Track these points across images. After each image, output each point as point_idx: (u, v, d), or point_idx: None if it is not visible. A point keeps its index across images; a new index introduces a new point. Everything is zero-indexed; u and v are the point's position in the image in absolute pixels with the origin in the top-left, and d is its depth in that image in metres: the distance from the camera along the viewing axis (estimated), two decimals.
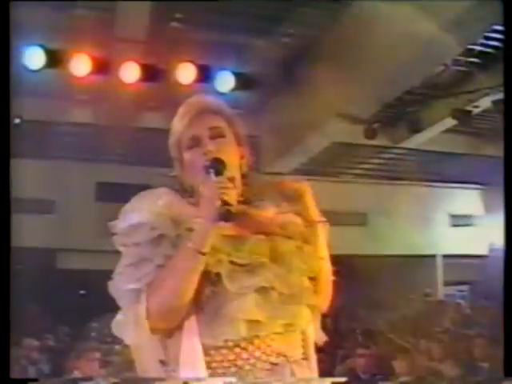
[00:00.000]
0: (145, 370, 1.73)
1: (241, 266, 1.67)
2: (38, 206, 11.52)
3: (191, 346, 1.63)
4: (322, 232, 1.91)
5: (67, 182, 11.75)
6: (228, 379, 1.61)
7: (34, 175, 10.84)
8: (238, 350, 1.63)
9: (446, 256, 14.89)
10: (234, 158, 1.78)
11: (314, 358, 1.82)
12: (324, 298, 1.88)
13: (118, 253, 1.73)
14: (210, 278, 1.64)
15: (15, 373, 5.24)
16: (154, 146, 11.78)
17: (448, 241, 14.77)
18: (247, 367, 1.62)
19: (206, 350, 1.63)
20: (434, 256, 14.92)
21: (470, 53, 9.12)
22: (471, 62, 9.64)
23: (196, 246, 1.59)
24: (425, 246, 14.47)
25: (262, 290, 1.66)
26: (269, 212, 1.89)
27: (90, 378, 4.88)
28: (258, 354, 1.64)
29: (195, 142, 1.77)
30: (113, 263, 1.74)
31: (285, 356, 1.68)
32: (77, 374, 5.35)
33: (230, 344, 1.62)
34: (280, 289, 1.69)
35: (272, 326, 1.66)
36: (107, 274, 1.74)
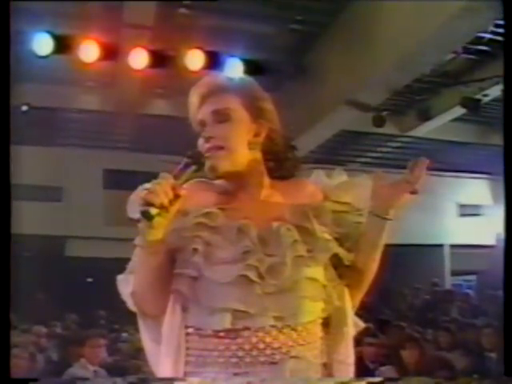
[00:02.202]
0: (144, 347, 1.75)
1: (220, 252, 1.61)
2: (45, 194, 11.56)
3: (173, 334, 1.62)
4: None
5: (75, 169, 11.78)
6: (238, 379, 1.55)
7: (42, 162, 10.88)
8: (227, 340, 1.57)
9: (453, 246, 14.87)
10: (240, 139, 1.70)
11: (336, 356, 1.70)
12: (356, 290, 1.75)
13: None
14: (189, 268, 1.60)
15: (24, 360, 5.25)
16: (162, 132, 11.87)
17: (456, 230, 14.74)
18: (234, 360, 1.56)
19: (200, 338, 1.60)
20: (441, 246, 14.91)
21: (480, 41, 9.04)
22: (481, 50, 9.55)
23: (139, 243, 1.59)
24: (432, 236, 14.45)
25: (245, 279, 1.57)
26: (303, 189, 1.79)
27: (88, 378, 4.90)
28: (247, 346, 1.56)
29: (201, 127, 1.73)
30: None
31: (283, 352, 1.57)
32: (84, 361, 5.36)
33: (221, 334, 1.57)
34: (268, 279, 1.58)
35: (263, 319, 1.57)
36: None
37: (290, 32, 8.87)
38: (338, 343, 1.71)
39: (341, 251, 1.70)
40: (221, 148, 1.67)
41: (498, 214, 14.34)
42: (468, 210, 15.14)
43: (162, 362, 1.64)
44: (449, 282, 14.82)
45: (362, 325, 1.78)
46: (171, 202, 1.50)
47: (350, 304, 1.73)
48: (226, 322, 1.55)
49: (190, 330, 1.62)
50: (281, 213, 1.69)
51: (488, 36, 8.98)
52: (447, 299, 11.46)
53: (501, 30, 8.64)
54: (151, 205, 1.47)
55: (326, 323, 1.70)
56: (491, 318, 8.07)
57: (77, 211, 11.74)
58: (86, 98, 10.91)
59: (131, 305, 1.69)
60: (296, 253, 1.62)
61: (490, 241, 14.61)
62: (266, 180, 1.76)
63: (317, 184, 1.82)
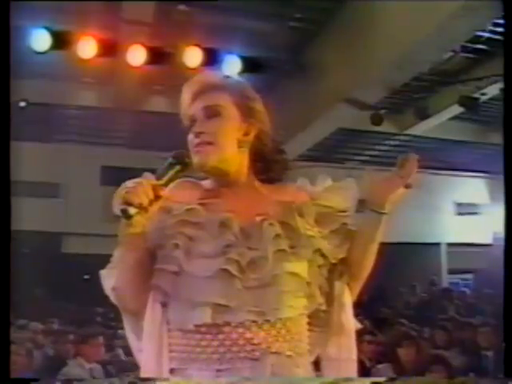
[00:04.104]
0: (129, 342, 1.77)
1: (202, 246, 1.61)
2: (42, 190, 11.55)
3: (154, 330, 1.62)
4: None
5: (72, 165, 11.78)
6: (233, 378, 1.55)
7: (40, 158, 10.86)
8: (208, 336, 1.57)
9: (450, 244, 14.89)
10: (230, 136, 1.70)
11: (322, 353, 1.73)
12: (352, 283, 1.77)
13: None
14: (169, 263, 1.61)
15: (21, 356, 5.25)
16: (160, 129, 11.85)
17: (453, 229, 14.76)
18: (215, 356, 1.56)
19: (182, 334, 1.60)
20: (438, 244, 14.92)
21: (478, 39, 9.05)
22: (480, 49, 9.57)
23: (120, 241, 1.63)
24: (429, 234, 14.47)
25: (225, 273, 1.57)
26: (284, 191, 1.79)
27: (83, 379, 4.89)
28: (228, 342, 1.56)
29: (192, 123, 1.73)
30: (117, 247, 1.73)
31: (263, 348, 1.57)
32: (79, 359, 5.35)
33: (203, 329, 1.57)
34: (249, 273, 1.58)
35: (243, 314, 1.56)
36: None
37: (289, 30, 8.86)
38: (337, 341, 1.73)
39: (324, 247, 1.71)
40: (210, 143, 1.67)
41: (495, 213, 14.39)
42: (465, 209, 15.15)
43: (144, 358, 1.64)
44: (446, 280, 14.84)
45: (358, 325, 1.78)
46: (151, 203, 1.53)
47: (349, 300, 1.75)
48: (206, 316, 1.55)
49: (172, 326, 1.62)
50: (265, 208, 1.70)
51: (486, 35, 8.99)
52: (444, 298, 11.46)
53: (499, 29, 8.66)
54: (130, 204, 1.50)
55: (322, 322, 1.73)
56: (488, 316, 8.08)
57: (74, 208, 11.74)
58: (83, 94, 10.89)
59: (113, 299, 1.71)
60: (278, 247, 1.62)
61: (487, 239, 14.63)
62: (253, 180, 1.77)
63: (303, 188, 1.83)
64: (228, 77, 1.85)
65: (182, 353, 1.60)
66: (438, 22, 6.73)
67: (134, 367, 1.75)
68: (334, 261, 1.72)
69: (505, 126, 2.36)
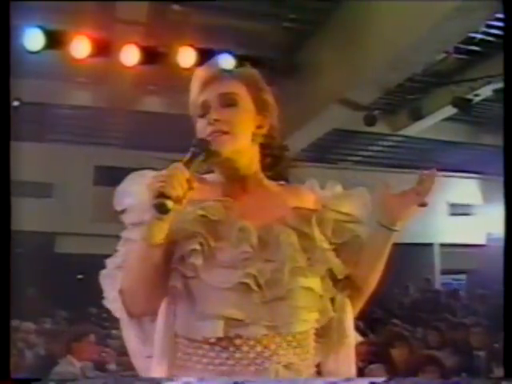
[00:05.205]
0: (129, 348, 1.67)
1: (220, 255, 1.53)
2: (35, 190, 11.51)
3: (165, 338, 1.55)
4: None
5: (65, 165, 11.74)
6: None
7: (32, 158, 10.80)
8: (218, 348, 1.50)
9: (443, 245, 14.92)
10: (246, 127, 1.62)
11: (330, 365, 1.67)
12: (355, 300, 1.71)
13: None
14: (186, 267, 1.52)
15: (13, 356, 5.23)
16: (153, 129, 11.83)
17: (446, 230, 14.79)
18: (223, 368, 1.49)
19: (190, 343, 1.53)
20: (431, 245, 14.96)
21: (471, 41, 9.08)
22: (473, 50, 9.59)
23: (143, 236, 1.49)
24: (423, 235, 14.49)
25: (243, 286, 1.49)
26: (296, 192, 1.73)
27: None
28: (238, 355, 1.50)
29: (205, 110, 1.63)
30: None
31: (274, 361, 1.51)
32: (70, 357, 5.33)
33: (212, 340, 1.50)
34: (264, 287, 1.51)
35: (257, 328, 1.50)
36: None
37: (283, 30, 8.86)
38: (336, 354, 1.67)
39: (335, 264, 1.64)
40: (226, 133, 1.58)
41: (489, 214, 14.44)
42: (458, 210, 15.19)
43: (149, 365, 1.57)
44: (439, 280, 14.87)
45: (359, 338, 1.73)
46: (185, 196, 1.44)
47: (351, 315, 1.69)
48: (218, 330, 1.48)
49: (178, 333, 1.56)
50: (281, 213, 1.63)
51: (479, 36, 9.02)
52: (437, 298, 11.49)
53: (492, 31, 8.69)
54: (167, 197, 1.40)
55: (323, 333, 1.65)
56: (480, 317, 8.10)
57: (67, 208, 11.71)
58: (77, 93, 10.87)
59: (115, 302, 1.61)
60: (295, 263, 1.55)
61: (481, 240, 14.69)
62: (261, 177, 1.71)
63: (313, 192, 1.76)
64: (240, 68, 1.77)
65: (187, 361, 1.54)
66: (431, 24, 6.75)
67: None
68: (340, 277, 1.66)
69: (505, 126, 2.36)
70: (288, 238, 1.58)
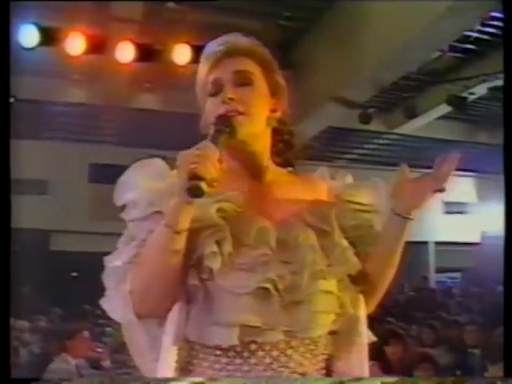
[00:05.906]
0: (135, 351, 1.56)
1: (238, 257, 1.41)
2: (31, 187, 11.47)
3: (175, 341, 1.43)
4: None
5: (61, 162, 11.72)
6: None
7: (27, 156, 10.77)
8: (231, 353, 1.40)
9: (438, 243, 14.96)
10: (260, 110, 1.51)
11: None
12: (370, 296, 1.60)
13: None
14: (201, 269, 1.40)
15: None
16: (148, 127, 11.80)
17: (441, 228, 14.81)
18: (238, 374, 1.39)
19: (201, 348, 1.43)
20: (426, 243, 14.98)
21: (466, 39, 9.10)
22: (468, 49, 9.62)
23: (168, 222, 1.34)
24: (417, 233, 14.45)
25: (261, 291, 1.39)
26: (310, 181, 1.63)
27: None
28: (253, 360, 1.40)
29: (217, 88, 1.50)
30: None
31: (290, 366, 1.42)
32: (65, 355, 5.32)
33: (225, 346, 1.39)
34: (283, 291, 1.40)
35: (274, 333, 1.39)
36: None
37: (278, 28, 8.87)
38: (348, 353, 1.56)
39: (354, 264, 1.53)
40: (241, 113, 1.46)
41: (483, 212, 14.48)
42: (453, 208, 15.21)
43: (156, 368, 1.45)
44: (433, 278, 14.91)
45: (372, 338, 1.61)
46: (217, 177, 1.31)
47: (364, 313, 1.57)
48: (233, 337, 1.37)
49: (191, 338, 1.44)
50: (299, 209, 1.53)
51: (474, 35, 9.05)
52: (431, 296, 11.52)
53: (487, 29, 8.71)
54: (201, 179, 1.27)
55: (335, 332, 1.53)
56: (475, 314, 8.13)
57: (62, 205, 11.69)
58: (72, 91, 10.84)
59: (117, 300, 1.47)
60: (315, 267, 1.45)
61: (475, 238, 14.72)
62: (271, 165, 1.59)
63: (325, 181, 1.66)
64: (255, 41, 1.61)
65: (197, 366, 1.45)
66: (426, 22, 6.77)
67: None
68: (353, 273, 1.54)
69: (505, 126, 2.36)
70: (307, 240, 1.48)
